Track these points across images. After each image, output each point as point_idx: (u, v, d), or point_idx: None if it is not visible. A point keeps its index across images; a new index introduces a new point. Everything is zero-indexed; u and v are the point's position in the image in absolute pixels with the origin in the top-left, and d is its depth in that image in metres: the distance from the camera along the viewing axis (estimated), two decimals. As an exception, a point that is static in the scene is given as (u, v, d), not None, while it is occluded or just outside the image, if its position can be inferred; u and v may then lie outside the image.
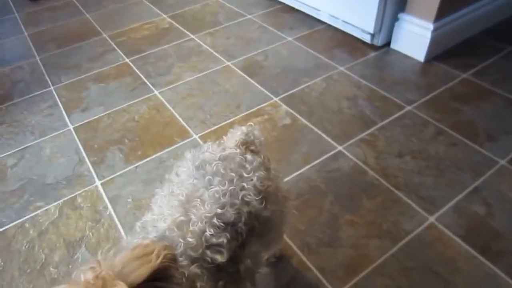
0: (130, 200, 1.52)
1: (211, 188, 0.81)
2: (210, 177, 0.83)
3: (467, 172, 1.53)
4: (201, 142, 1.74)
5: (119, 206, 1.50)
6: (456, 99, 1.89)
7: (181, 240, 0.73)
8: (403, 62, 2.17)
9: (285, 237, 1.33)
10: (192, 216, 0.77)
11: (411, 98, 1.92)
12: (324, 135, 1.74)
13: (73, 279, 0.57)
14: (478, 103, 1.85)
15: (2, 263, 1.35)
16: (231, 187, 0.81)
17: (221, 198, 0.79)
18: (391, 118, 1.81)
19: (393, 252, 1.29)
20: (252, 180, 0.85)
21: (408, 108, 1.86)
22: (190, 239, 0.73)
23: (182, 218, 0.76)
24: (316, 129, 1.78)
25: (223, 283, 0.75)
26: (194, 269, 0.70)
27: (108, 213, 1.48)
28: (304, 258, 1.29)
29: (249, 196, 0.82)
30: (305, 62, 2.22)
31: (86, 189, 1.59)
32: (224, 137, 1.01)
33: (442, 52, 2.18)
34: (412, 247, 1.30)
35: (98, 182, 1.61)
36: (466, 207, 1.41)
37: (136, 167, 1.67)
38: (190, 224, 0.75)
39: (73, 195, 1.57)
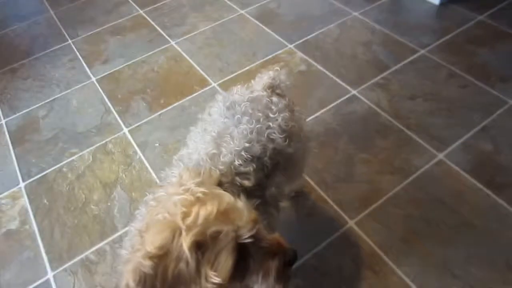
0: (157, 145, 1.64)
1: (239, 126, 0.90)
2: (239, 116, 0.92)
3: (477, 112, 1.60)
4: (220, 90, 1.82)
5: (147, 151, 1.62)
6: (471, 41, 1.91)
7: (213, 168, 0.83)
8: (418, 5, 2.16)
9: (304, 175, 1.44)
10: (223, 150, 0.86)
11: (425, 42, 1.93)
12: (338, 80, 1.80)
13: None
14: (493, 45, 1.87)
15: (47, 203, 1.50)
16: (258, 126, 0.90)
17: (249, 135, 0.88)
18: (404, 62, 1.85)
19: (404, 186, 1.39)
20: (277, 120, 0.94)
21: (422, 51, 1.89)
22: (221, 167, 0.83)
23: (214, 151, 0.86)
24: (331, 75, 1.83)
25: (256, 202, 0.85)
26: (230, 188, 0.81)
27: (138, 157, 1.60)
28: (321, 193, 1.40)
29: (274, 134, 0.91)
30: (319, 8, 2.22)
31: (115, 136, 1.70)
32: (252, 81, 1.09)
33: (458, -6, 2.15)
34: (422, 181, 1.40)
35: (125, 130, 1.72)
36: (474, 144, 1.49)
37: (160, 114, 1.76)
38: (221, 156, 0.85)
39: (103, 141, 1.68)
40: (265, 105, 0.96)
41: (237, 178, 0.84)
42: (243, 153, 0.85)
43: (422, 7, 2.14)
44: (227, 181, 0.83)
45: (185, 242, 0.59)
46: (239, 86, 1.06)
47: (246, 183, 0.84)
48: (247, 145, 0.87)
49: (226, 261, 0.61)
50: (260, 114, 0.92)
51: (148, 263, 0.58)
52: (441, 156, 1.47)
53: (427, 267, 1.20)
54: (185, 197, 0.64)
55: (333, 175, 1.45)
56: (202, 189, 0.66)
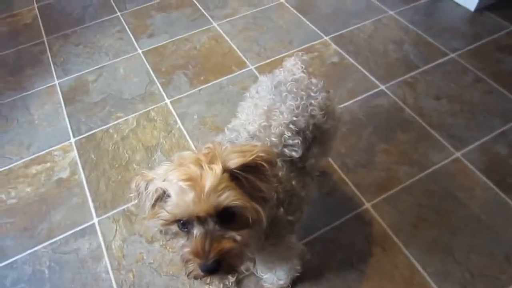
0: (196, 117, 1.79)
1: (286, 102, 1.03)
2: (286, 93, 1.05)
3: (498, 118, 1.69)
4: (256, 73, 1.95)
5: (186, 121, 1.77)
6: (501, 50, 1.98)
7: (267, 138, 0.97)
8: (454, 10, 2.22)
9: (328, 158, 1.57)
10: (273, 122, 1.00)
11: (456, 46, 2.01)
12: (368, 75, 1.91)
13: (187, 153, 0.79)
14: (521, 56, 1.94)
15: (95, 158, 1.67)
16: (302, 102, 1.04)
17: (295, 110, 1.02)
18: (433, 64, 1.94)
19: (419, 177, 1.51)
20: (317, 99, 1.07)
21: (452, 55, 1.97)
22: (273, 139, 0.97)
23: (265, 123, 1.00)
24: (361, 69, 1.94)
25: (294, 175, 0.99)
26: (278, 161, 0.94)
27: (177, 126, 1.76)
28: (342, 175, 1.53)
29: (314, 111, 1.05)
30: (356, 4, 2.31)
31: (157, 105, 1.86)
32: (286, 64, 1.22)
33: (494, 2, 2.20)
34: (437, 175, 1.52)
35: (167, 100, 1.87)
36: (491, 147, 1.59)
37: (200, 90, 1.91)
38: (272, 128, 0.99)
39: (147, 109, 1.84)
40: (306, 86, 1.09)
41: (286, 150, 0.97)
42: (291, 125, 0.98)
43: (457, 12, 2.20)
44: (277, 152, 0.96)
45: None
46: (280, 68, 1.20)
47: (294, 154, 0.97)
48: (294, 118, 1.00)
49: None
50: (303, 93, 1.06)
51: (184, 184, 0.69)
52: (458, 154, 1.57)
53: (432, 251, 1.32)
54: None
55: (355, 160, 1.58)
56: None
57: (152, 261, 1.35)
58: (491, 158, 1.56)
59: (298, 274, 1.21)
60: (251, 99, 1.11)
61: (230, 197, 0.69)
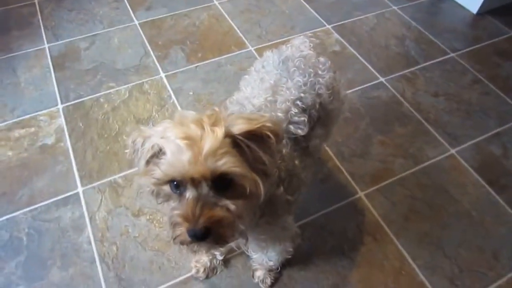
0: (191, 93, 1.73)
1: (294, 78, 1.00)
2: (295, 69, 1.01)
3: (493, 119, 1.70)
4: (256, 54, 1.90)
5: (181, 97, 1.72)
6: (500, 54, 1.99)
7: (273, 113, 0.93)
8: (456, 11, 2.23)
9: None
10: (279, 98, 0.96)
11: (456, 46, 2.02)
12: (369, 66, 1.89)
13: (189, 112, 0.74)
14: (519, 61, 1.95)
15: (82, 127, 1.60)
16: (309, 79, 1.00)
17: (302, 86, 0.98)
18: (433, 61, 1.93)
19: (413, 171, 1.50)
20: (324, 77, 1.04)
21: (452, 55, 1.97)
22: (279, 114, 0.93)
23: (271, 98, 0.96)
24: (362, 60, 1.92)
25: (298, 154, 0.96)
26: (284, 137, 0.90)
27: (171, 101, 1.70)
28: (338, 163, 1.51)
29: (321, 89, 1.01)
30: (360, -4, 2.29)
31: (152, 78, 1.79)
32: (294, 42, 1.18)
33: (496, 7, 2.22)
34: (431, 170, 1.51)
35: (162, 74, 1.81)
36: (485, 146, 1.60)
37: (196, 67, 1.85)
38: (278, 103, 0.95)
39: (140, 81, 1.78)
40: (314, 63, 1.06)
41: (291, 127, 0.93)
42: (298, 102, 0.95)
43: (460, 13, 2.21)
44: (284, 128, 0.92)
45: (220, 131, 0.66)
46: (288, 44, 1.16)
47: (300, 131, 0.93)
48: (301, 95, 0.96)
49: None
50: (311, 70, 1.02)
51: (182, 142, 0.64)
52: (452, 151, 1.57)
53: (422, 243, 1.32)
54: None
55: (351, 149, 1.56)
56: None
57: (137, 235, 1.30)
58: (485, 157, 1.56)
59: (289, 257, 1.18)
60: (257, 73, 1.07)
61: (228, 163, 0.65)
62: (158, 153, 0.69)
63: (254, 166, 0.70)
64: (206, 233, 0.67)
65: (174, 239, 0.70)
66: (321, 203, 1.39)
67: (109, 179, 1.44)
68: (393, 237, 1.32)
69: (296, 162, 0.92)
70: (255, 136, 0.69)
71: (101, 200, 1.39)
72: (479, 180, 1.49)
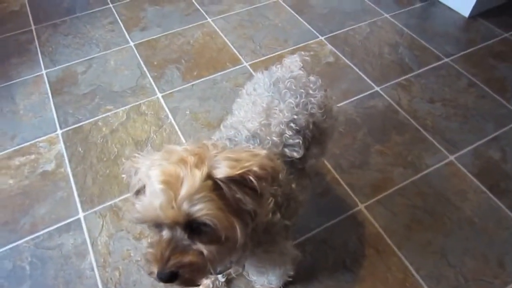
0: (188, 112, 1.74)
1: (286, 100, 1.00)
2: (286, 90, 1.02)
3: (491, 122, 1.69)
4: (251, 70, 1.92)
5: (178, 117, 1.73)
6: (494, 56, 1.99)
7: (268, 138, 0.93)
8: (448, 15, 2.24)
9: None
10: (273, 121, 0.96)
11: (450, 51, 2.02)
12: (363, 76, 1.90)
13: (175, 147, 0.72)
14: (514, 62, 1.96)
15: (82, 151, 1.62)
16: (301, 100, 1.01)
17: (295, 108, 0.99)
18: (428, 67, 1.94)
19: (413, 180, 1.50)
20: (316, 97, 1.04)
21: (446, 60, 1.98)
22: (274, 138, 0.93)
23: (265, 121, 0.96)
24: (357, 70, 1.93)
25: (294, 177, 0.95)
26: (279, 162, 0.87)
27: (169, 121, 1.71)
28: (337, 176, 1.51)
29: (314, 109, 1.02)
30: (352, 5, 2.30)
31: (149, 99, 1.81)
32: (285, 61, 1.19)
33: (487, 9, 2.23)
34: (431, 178, 1.51)
35: (159, 94, 1.83)
36: (484, 151, 1.59)
37: (193, 85, 1.87)
38: (272, 127, 0.95)
39: (137, 103, 1.79)
40: (304, 83, 1.07)
41: (286, 150, 0.93)
42: (291, 124, 0.95)
43: (452, 17, 2.22)
44: (277, 152, 0.92)
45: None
46: (278, 65, 1.17)
47: (295, 154, 0.93)
48: (294, 117, 0.97)
49: None
50: (302, 90, 1.03)
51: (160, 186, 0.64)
52: (451, 157, 1.57)
53: (426, 253, 1.31)
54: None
55: (349, 161, 1.56)
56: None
57: (139, 259, 1.30)
58: (484, 162, 1.56)
59: (290, 279, 1.18)
60: (248, 96, 1.08)
61: (204, 210, 0.64)
62: (142, 189, 0.69)
63: (236, 208, 0.68)
64: (172, 277, 0.67)
65: (148, 273, 0.71)
66: (321, 217, 1.39)
67: (109, 203, 1.45)
68: (395, 248, 1.32)
69: (293, 185, 0.92)
70: (238, 181, 0.67)
71: (103, 224, 1.39)
72: (479, 186, 1.48)
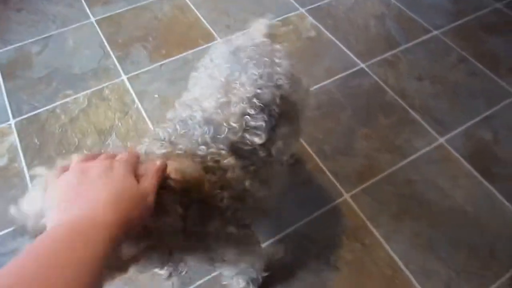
0: (156, 96, 1.58)
1: (248, 71, 0.85)
2: (247, 60, 0.87)
3: (482, 101, 1.59)
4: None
5: (146, 101, 1.57)
6: (485, 28, 1.87)
7: (225, 124, 0.78)
8: (437, -16, 2.09)
9: (302, 142, 1.42)
10: (232, 98, 0.81)
11: (439, 23, 1.89)
12: (348, 51, 1.75)
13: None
14: (506, 35, 1.84)
15: (38, 143, 1.45)
16: (266, 70, 0.86)
17: (259, 80, 0.84)
18: (416, 41, 1.81)
19: (401, 165, 1.40)
20: (282, 65, 0.90)
21: (435, 32, 1.85)
22: (233, 123, 0.78)
23: (223, 99, 0.81)
24: (340, 45, 1.78)
25: (254, 168, 0.80)
26: (229, 159, 0.74)
27: (135, 106, 1.55)
28: (319, 163, 1.39)
29: (281, 80, 0.88)
30: (335, -26, 2.12)
31: (112, 82, 1.63)
32: (249, 30, 1.04)
33: (478, -23, 2.08)
34: (420, 163, 1.41)
35: (124, 77, 1.65)
36: (475, 132, 1.49)
37: (161, 65, 1.69)
38: (232, 106, 0.80)
39: (100, 86, 1.62)
40: (269, 51, 0.92)
41: (246, 135, 0.79)
42: (254, 100, 0.81)
43: (441, -14, 2.07)
44: (236, 139, 0.78)
45: None
46: (239, 33, 1.02)
47: (257, 140, 0.79)
48: (258, 91, 0.82)
49: None
50: (266, 59, 0.88)
51: None
52: (441, 140, 1.47)
53: (414, 246, 1.22)
54: None
55: (333, 146, 1.44)
56: None
57: (103, 264, 1.18)
58: (475, 144, 1.46)
59: (267, 279, 1.08)
60: (205, 69, 0.93)
61: None
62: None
63: None
64: None
65: None
66: (302, 210, 1.28)
67: (69, 201, 1.30)
68: (383, 241, 1.23)
69: (247, 184, 0.77)
70: None
71: (62, 226, 1.25)
72: (471, 170, 1.39)
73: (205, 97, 0.83)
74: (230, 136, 0.77)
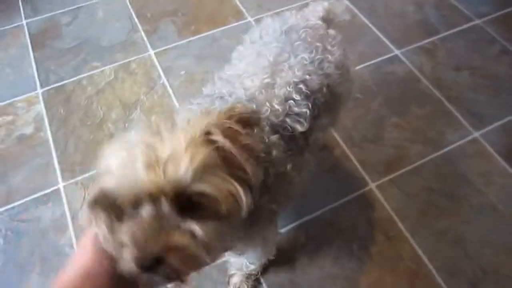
0: (183, 72, 1.56)
1: (298, 55, 0.82)
2: (299, 42, 0.83)
3: (524, 96, 1.50)
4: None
5: (172, 77, 1.55)
6: (532, 19, 1.75)
7: (268, 105, 0.74)
8: (482, -31, 1.96)
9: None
10: (278, 80, 0.78)
11: (482, 11, 1.78)
12: (382, 37, 1.68)
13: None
14: (554, 27, 1.72)
15: (64, 113, 1.46)
16: (317, 56, 0.82)
17: (308, 65, 0.80)
18: (456, 30, 1.71)
19: (432, 158, 1.34)
20: (334, 54, 0.85)
21: (477, 21, 1.74)
22: (276, 106, 0.74)
23: (269, 80, 0.78)
24: (375, 30, 1.70)
25: (292, 155, 0.76)
26: (274, 138, 0.72)
27: (161, 81, 1.53)
28: (346, 150, 1.35)
29: (330, 69, 0.83)
30: (373, -45, 2.02)
31: (139, 56, 1.62)
32: (305, 9, 0.99)
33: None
34: (452, 156, 1.34)
35: (151, 51, 1.63)
36: (514, 128, 1.41)
37: (189, 41, 1.66)
38: (276, 88, 0.77)
39: (127, 60, 1.60)
40: (322, 36, 0.87)
41: (288, 120, 0.75)
42: (301, 86, 0.77)
43: (486, -28, 1.95)
44: (277, 122, 0.74)
45: None
46: (293, 11, 0.97)
47: (298, 127, 0.75)
48: (307, 77, 0.78)
49: None
50: (319, 44, 0.84)
51: None
52: (476, 134, 1.39)
53: (441, 242, 1.17)
54: None
55: (361, 134, 1.39)
56: None
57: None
58: (513, 141, 1.38)
59: (272, 262, 1.05)
60: (252, 45, 0.89)
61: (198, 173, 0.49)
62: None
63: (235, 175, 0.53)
64: (156, 264, 0.48)
65: (121, 261, 0.50)
66: (327, 196, 1.25)
67: (92, 172, 1.31)
68: (408, 235, 1.18)
69: (288, 167, 0.74)
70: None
71: (84, 196, 1.26)
72: (506, 168, 1.32)
73: (249, 74, 0.80)
74: (272, 118, 0.74)
